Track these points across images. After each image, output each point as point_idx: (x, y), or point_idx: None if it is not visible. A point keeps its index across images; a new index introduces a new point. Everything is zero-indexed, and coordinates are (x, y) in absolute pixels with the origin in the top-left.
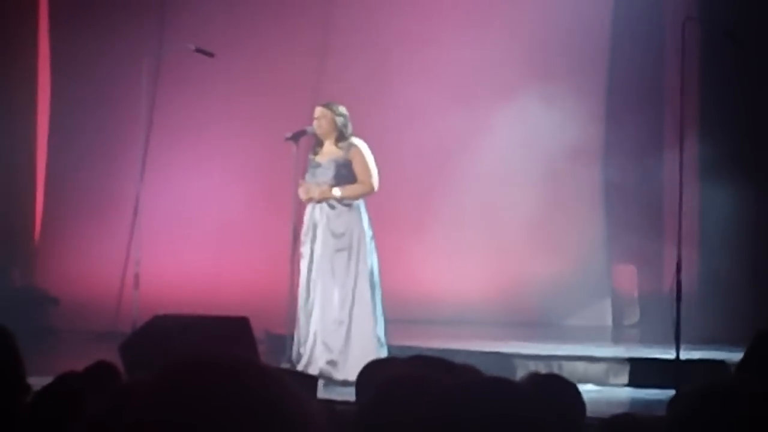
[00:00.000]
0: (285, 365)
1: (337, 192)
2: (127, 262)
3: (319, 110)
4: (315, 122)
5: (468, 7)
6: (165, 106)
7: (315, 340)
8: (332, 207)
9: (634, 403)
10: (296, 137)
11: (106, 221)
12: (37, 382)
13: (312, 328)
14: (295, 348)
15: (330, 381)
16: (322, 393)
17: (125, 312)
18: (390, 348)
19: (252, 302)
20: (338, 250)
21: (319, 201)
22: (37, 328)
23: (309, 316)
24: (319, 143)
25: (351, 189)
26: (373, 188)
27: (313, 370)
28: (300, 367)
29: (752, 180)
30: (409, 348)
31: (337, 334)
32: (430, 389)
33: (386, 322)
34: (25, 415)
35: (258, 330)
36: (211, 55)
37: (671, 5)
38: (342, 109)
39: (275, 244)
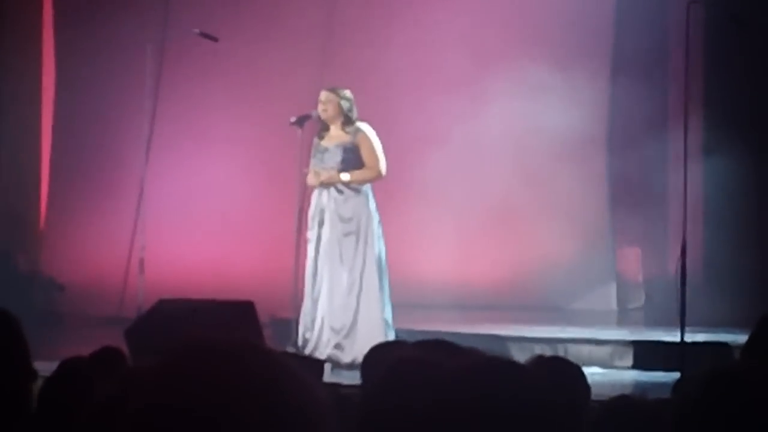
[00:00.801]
0: (290, 349)
1: (345, 176)
2: (132, 247)
3: (324, 95)
4: (320, 107)
5: None
6: (169, 91)
7: (322, 325)
8: (340, 192)
9: (639, 385)
10: (301, 121)
11: (111, 207)
12: (43, 367)
13: (319, 313)
14: (300, 333)
15: (337, 365)
16: (329, 377)
17: (130, 297)
18: (397, 332)
19: (257, 287)
20: (346, 235)
21: (327, 186)
22: (43, 314)
23: (316, 301)
24: (325, 128)
25: (359, 174)
26: (380, 173)
27: (320, 355)
28: (307, 352)
29: (757, 163)
30: (416, 332)
31: (344, 317)
32: (435, 372)
33: (393, 306)
34: (32, 401)
35: (263, 314)
36: (215, 39)
37: None
38: (347, 93)
39: (280, 228)
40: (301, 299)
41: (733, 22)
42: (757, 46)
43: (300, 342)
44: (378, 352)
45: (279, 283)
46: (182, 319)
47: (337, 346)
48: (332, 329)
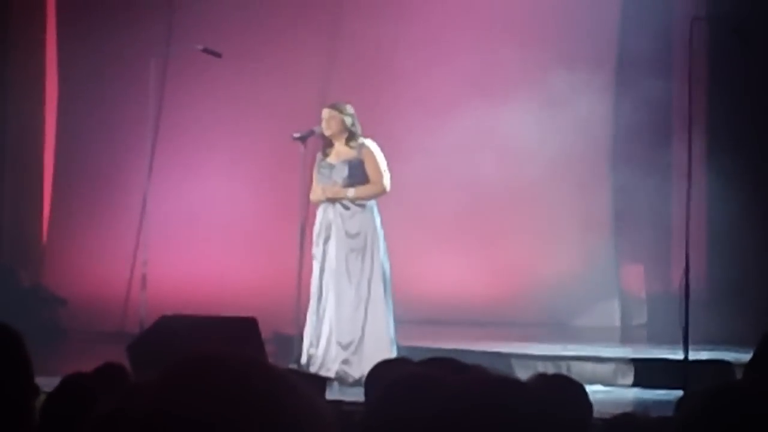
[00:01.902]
0: (292, 366)
1: (351, 192)
2: (134, 262)
3: (326, 112)
4: (324, 124)
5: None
6: (172, 107)
7: (329, 341)
8: (346, 207)
9: (642, 403)
10: (304, 137)
11: (113, 222)
12: (46, 382)
13: (325, 329)
14: (304, 349)
15: (345, 381)
16: (335, 394)
17: (133, 312)
18: (400, 348)
19: (259, 302)
20: (352, 251)
21: (333, 201)
22: (45, 329)
23: (321, 317)
24: (329, 144)
25: (364, 189)
26: (385, 189)
27: (328, 371)
28: (314, 369)
29: (761, 179)
30: (419, 348)
31: (352, 333)
32: (437, 388)
33: (396, 322)
34: (34, 417)
35: (266, 330)
36: (218, 55)
37: (679, 4)
38: (349, 108)
39: (283, 244)
40: (304, 315)
41: (737, 37)
42: (760, 62)
43: (304, 358)
44: (381, 369)
45: (282, 299)
46: (184, 334)
47: (345, 362)
48: (339, 345)
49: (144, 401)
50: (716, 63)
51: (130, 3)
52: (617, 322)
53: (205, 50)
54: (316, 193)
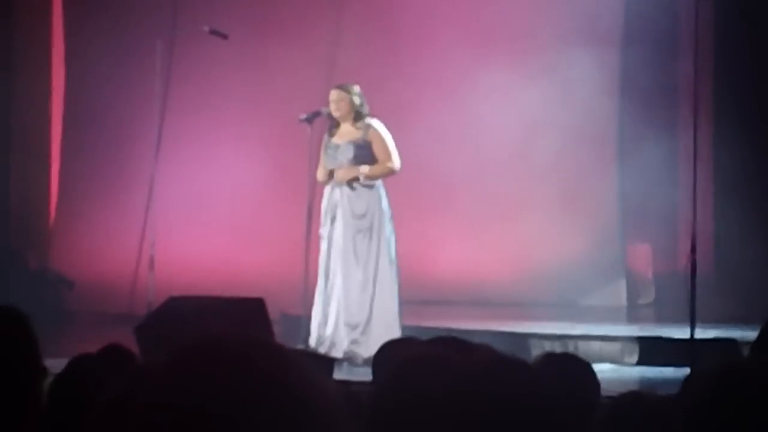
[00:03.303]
0: (300, 346)
1: (364, 169)
2: (142, 243)
3: (335, 93)
4: (332, 105)
5: None
6: (179, 88)
7: (337, 322)
8: (353, 188)
9: (649, 382)
10: (311, 118)
11: (120, 203)
12: (53, 364)
13: (333, 309)
14: (313, 331)
15: (355, 361)
16: (344, 374)
17: (140, 294)
18: (407, 328)
19: (267, 283)
20: (359, 231)
21: (342, 182)
22: (53, 311)
23: (329, 298)
24: (335, 124)
25: (375, 168)
26: (393, 169)
27: (337, 352)
28: (324, 349)
29: (767, 159)
30: (426, 328)
31: (360, 314)
32: (445, 369)
33: (403, 302)
34: (42, 398)
35: (273, 311)
36: (225, 36)
37: None
38: (357, 89)
39: (290, 224)
40: (312, 296)
41: (743, 19)
42: (766, 44)
43: (313, 339)
44: (389, 349)
45: (289, 279)
46: (192, 316)
47: (354, 342)
48: (348, 325)
49: (152, 384)
50: (722, 44)
51: None
52: (624, 302)
53: (212, 32)
54: (322, 173)
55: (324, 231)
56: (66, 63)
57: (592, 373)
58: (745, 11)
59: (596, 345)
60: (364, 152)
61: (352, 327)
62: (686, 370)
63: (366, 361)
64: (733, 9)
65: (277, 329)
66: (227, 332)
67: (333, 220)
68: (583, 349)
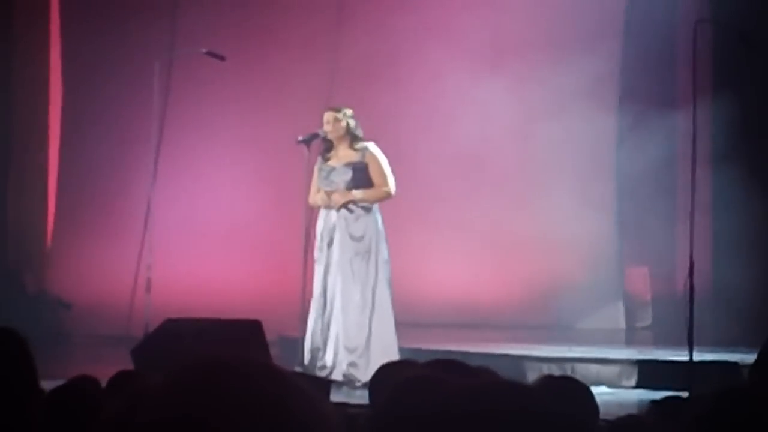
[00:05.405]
0: (297, 369)
1: (358, 194)
2: (139, 266)
3: (329, 115)
4: (327, 127)
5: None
6: (177, 109)
7: (337, 345)
8: (350, 211)
9: (647, 405)
10: (309, 140)
11: (118, 226)
12: (50, 386)
13: (332, 333)
14: (307, 352)
15: (352, 385)
16: (342, 397)
17: (137, 316)
18: (405, 351)
19: (264, 305)
20: (357, 253)
21: (339, 206)
22: (50, 333)
23: (328, 321)
24: (329, 148)
25: (370, 193)
26: (389, 193)
27: (336, 375)
28: (324, 373)
29: (765, 182)
30: (424, 351)
31: (358, 337)
32: (442, 391)
33: (399, 324)
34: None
35: (270, 333)
36: (222, 58)
37: (683, 8)
38: (350, 112)
39: (287, 246)
40: (310, 320)
41: (741, 41)
42: (764, 66)
43: (306, 361)
44: (386, 371)
45: (286, 302)
46: (189, 338)
47: (352, 365)
48: (347, 348)
49: (151, 405)
50: (721, 67)
51: (134, 5)
52: (622, 324)
53: (209, 53)
54: (314, 197)
55: (320, 254)
56: (63, 83)
57: (591, 396)
58: (744, 34)
59: (594, 368)
60: (361, 174)
61: (351, 350)
62: (685, 394)
63: (364, 385)
64: (731, 32)
65: (274, 351)
66: (224, 354)
67: (330, 243)
68: (581, 372)
